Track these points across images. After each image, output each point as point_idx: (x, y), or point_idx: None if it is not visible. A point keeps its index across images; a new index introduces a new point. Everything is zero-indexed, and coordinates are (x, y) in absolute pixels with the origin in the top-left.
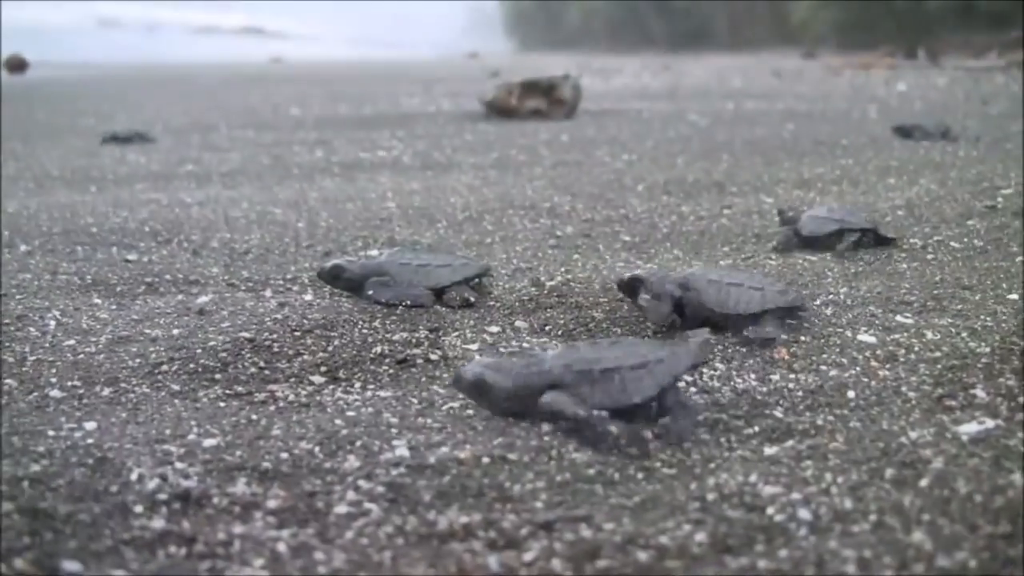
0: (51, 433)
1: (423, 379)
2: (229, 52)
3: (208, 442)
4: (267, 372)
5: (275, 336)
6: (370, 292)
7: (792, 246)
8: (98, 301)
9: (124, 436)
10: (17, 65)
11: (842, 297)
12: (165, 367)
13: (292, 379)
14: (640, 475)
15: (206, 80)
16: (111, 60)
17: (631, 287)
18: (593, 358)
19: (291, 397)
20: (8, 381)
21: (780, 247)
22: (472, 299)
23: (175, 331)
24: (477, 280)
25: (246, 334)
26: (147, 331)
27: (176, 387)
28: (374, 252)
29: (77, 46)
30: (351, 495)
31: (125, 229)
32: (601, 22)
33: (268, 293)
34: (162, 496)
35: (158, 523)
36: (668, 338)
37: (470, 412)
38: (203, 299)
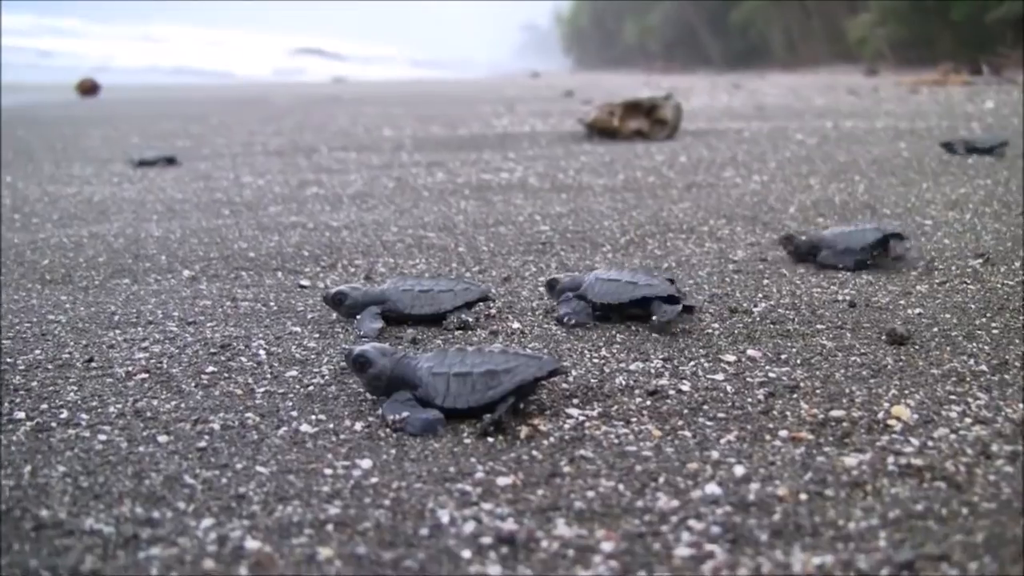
0: (328, 472)
1: (685, 412)
2: (290, 72)
3: (503, 480)
4: (519, 406)
5: None
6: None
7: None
8: (297, 329)
9: (406, 475)
10: (89, 88)
11: None
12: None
13: (548, 412)
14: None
15: (282, 101)
16: (176, 81)
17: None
18: (454, 361)
19: (557, 432)
20: (249, 415)
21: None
22: (471, 322)
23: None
24: (478, 304)
25: None
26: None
27: None
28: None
29: (139, 68)
30: (686, 536)
31: (283, 254)
32: (657, 41)
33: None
34: (485, 540)
35: (494, 569)
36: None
37: (755, 447)
38: (411, 330)
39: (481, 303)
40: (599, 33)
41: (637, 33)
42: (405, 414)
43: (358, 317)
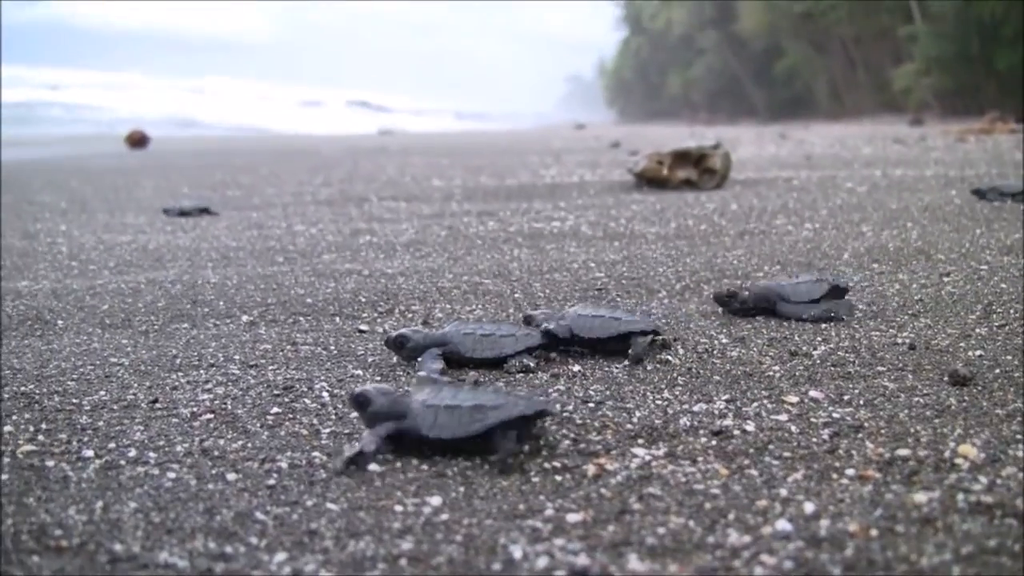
0: (398, 509)
1: (751, 451)
2: (337, 124)
3: (572, 517)
4: (583, 445)
5: (570, 407)
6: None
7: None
8: (358, 372)
9: (476, 512)
10: (138, 140)
11: None
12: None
13: (614, 452)
14: None
15: (329, 152)
16: (225, 133)
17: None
18: (447, 395)
19: (623, 471)
20: (316, 454)
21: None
22: (532, 366)
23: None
24: (539, 350)
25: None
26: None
27: (493, 459)
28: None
29: (188, 117)
30: (759, 571)
31: (340, 300)
32: (701, 92)
33: (531, 364)
34: (558, 574)
35: None
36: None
37: (823, 485)
38: (472, 373)
39: (541, 348)
40: (642, 85)
41: (680, 85)
42: (358, 447)
43: (419, 360)
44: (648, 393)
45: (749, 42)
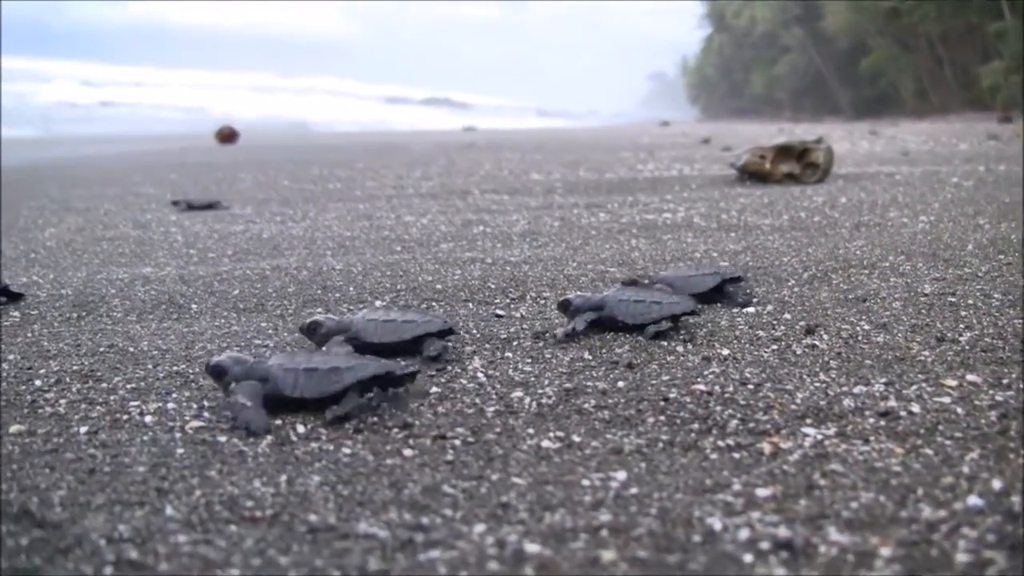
0: (585, 483)
1: (921, 431)
2: (419, 121)
3: (762, 492)
4: (751, 424)
5: (730, 390)
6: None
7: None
8: (508, 355)
9: (663, 486)
10: (228, 136)
11: None
12: (634, 418)
13: (784, 430)
14: None
15: (420, 148)
16: (308, 129)
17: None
18: (303, 361)
19: (798, 449)
20: (487, 433)
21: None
22: (449, 348)
23: (620, 384)
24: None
25: (701, 386)
26: (588, 383)
27: (665, 438)
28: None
29: (274, 114)
30: (963, 543)
31: (470, 286)
32: (785, 90)
33: (678, 347)
34: (763, 545)
35: (779, 571)
36: None
37: (1003, 464)
38: (621, 351)
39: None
40: (725, 83)
41: (764, 82)
42: (246, 404)
43: (325, 347)
44: (804, 376)
45: (834, 39)
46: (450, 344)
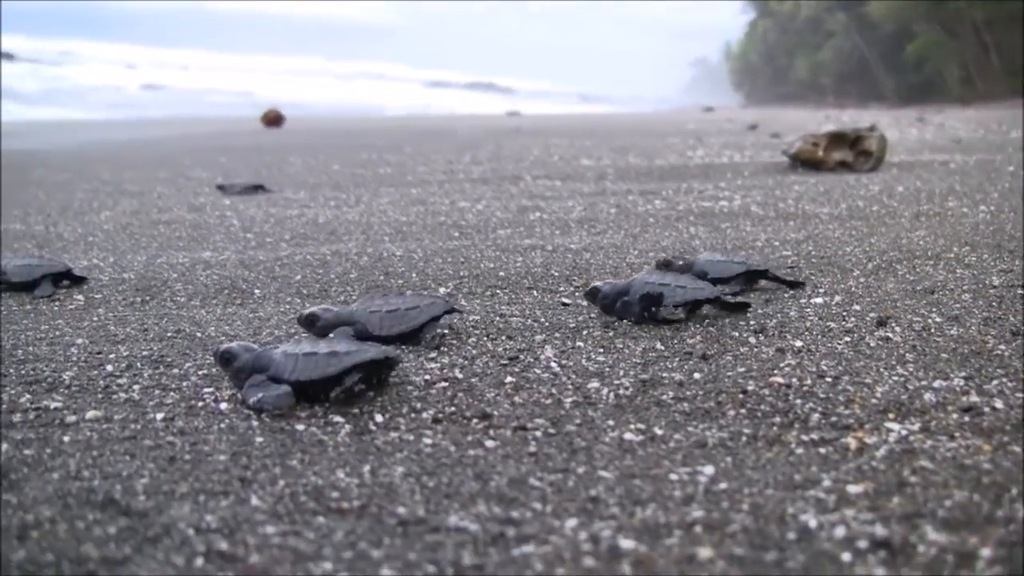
0: (673, 477)
1: (1007, 428)
2: (463, 105)
3: (853, 488)
4: (833, 418)
5: (808, 383)
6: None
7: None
8: (579, 344)
9: (752, 481)
10: (274, 119)
11: None
12: (714, 411)
13: (867, 425)
14: None
15: (466, 133)
16: (353, 113)
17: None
18: (305, 347)
19: (884, 444)
20: (567, 424)
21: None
22: (446, 333)
23: (696, 375)
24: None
25: (779, 379)
26: (663, 374)
27: (748, 432)
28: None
29: (318, 98)
30: None
31: (533, 274)
32: (829, 76)
33: (750, 339)
34: (861, 544)
35: (879, 571)
36: None
37: None
38: (693, 340)
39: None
40: (769, 68)
41: (808, 68)
42: (260, 395)
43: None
44: (881, 369)
45: (878, 25)
46: (455, 320)
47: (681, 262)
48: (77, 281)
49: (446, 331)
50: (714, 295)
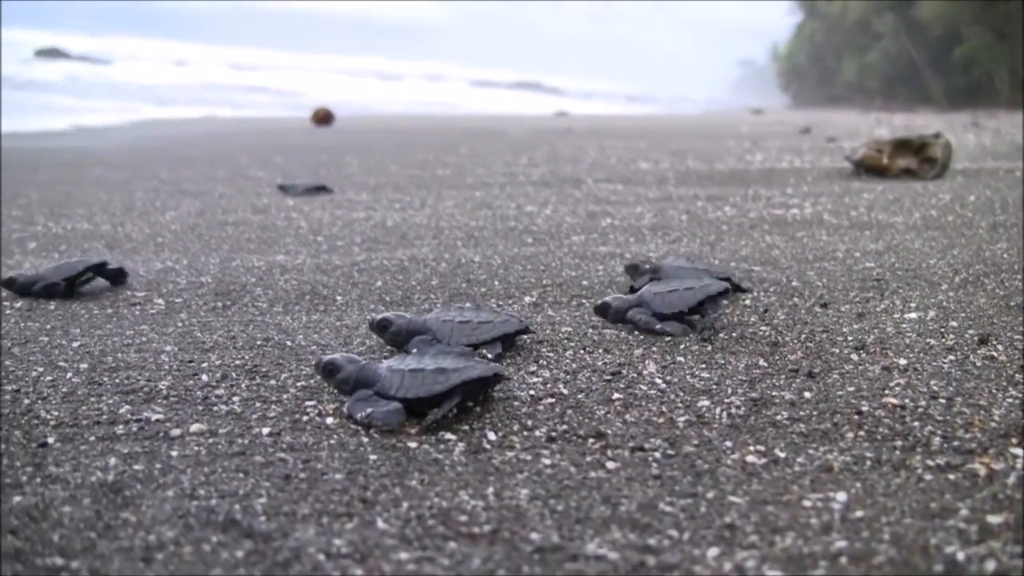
0: (807, 504)
1: None
2: (509, 105)
3: (993, 519)
4: (955, 443)
5: (923, 404)
6: (413, 349)
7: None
8: (680, 359)
9: (888, 510)
10: (323, 118)
11: None
12: (831, 432)
13: (991, 450)
14: None
15: (517, 132)
16: (401, 111)
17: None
18: (411, 362)
19: (1012, 471)
20: (684, 445)
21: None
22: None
23: (806, 394)
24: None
25: (893, 400)
26: (772, 392)
27: (871, 455)
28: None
29: (365, 97)
30: None
31: (616, 283)
32: (876, 78)
33: (852, 356)
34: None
35: None
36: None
37: None
38: (794, 357)
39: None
40: (816, 70)
41: (855, 70)
42: (369, 410)
43: (407, 346)
44: (993, 390)
45: (927, 27)
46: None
47: (648, 265)
48: (116, 279)
49: (499, 351)
50: (724, 288)
